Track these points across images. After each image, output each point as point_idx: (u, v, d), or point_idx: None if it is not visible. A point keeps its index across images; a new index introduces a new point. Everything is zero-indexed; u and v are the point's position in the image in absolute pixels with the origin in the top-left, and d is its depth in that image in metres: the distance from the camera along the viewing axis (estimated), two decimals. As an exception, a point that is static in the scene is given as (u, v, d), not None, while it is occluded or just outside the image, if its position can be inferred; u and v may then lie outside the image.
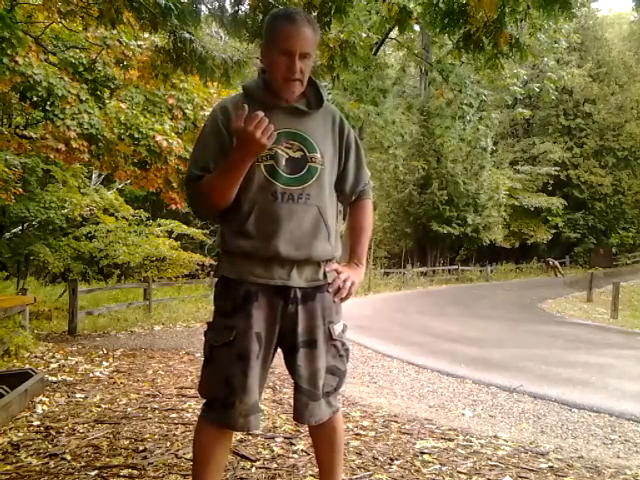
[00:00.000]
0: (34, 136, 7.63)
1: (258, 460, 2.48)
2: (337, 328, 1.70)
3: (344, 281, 1.70)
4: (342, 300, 1.72)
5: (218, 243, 1.70)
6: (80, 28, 6.70)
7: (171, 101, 7.83)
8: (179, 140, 7.47)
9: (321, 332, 1.65)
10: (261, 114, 1.45)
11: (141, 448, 2.66)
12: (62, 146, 6.83)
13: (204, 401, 1.68)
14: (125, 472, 2.34)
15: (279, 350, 1.70)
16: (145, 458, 2.52)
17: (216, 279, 1.71)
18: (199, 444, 1.65)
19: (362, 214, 1.82)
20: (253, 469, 2.38)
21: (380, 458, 2.56)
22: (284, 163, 1.61)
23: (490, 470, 2.46)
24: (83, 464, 2.46)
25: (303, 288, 1.64)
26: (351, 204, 1.82)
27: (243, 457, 2.50)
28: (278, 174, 1.60)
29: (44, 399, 3.80)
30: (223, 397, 1.59)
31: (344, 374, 1.74)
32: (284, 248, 1.58)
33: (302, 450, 2.62)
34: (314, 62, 1.69)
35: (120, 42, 6.84)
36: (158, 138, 7.12)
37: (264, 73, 1.68)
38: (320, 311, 1.66)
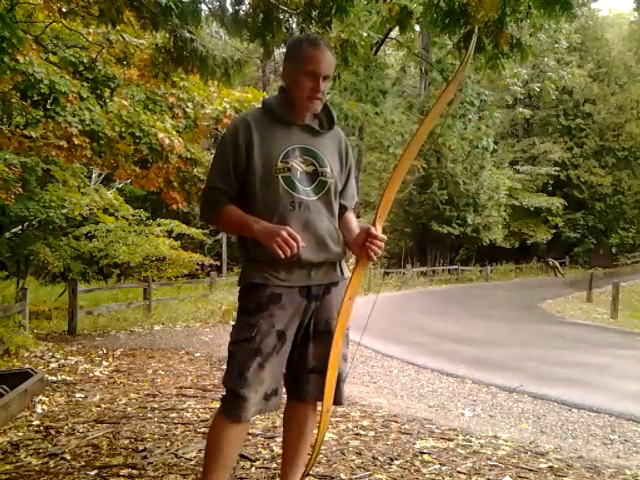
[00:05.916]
0: (34, 135, 7.60)
1: (258, 460, 2.48)
2: None
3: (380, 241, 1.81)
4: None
5: (241, 252, 1.83)
6: (80, 27, 6.68)
7: (171, 99, 7.79)
8: (180, 139, 7.43)
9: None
10: (301, 242, 1.64)
11: (141, 448, 2.66)
12: (64, 143, 6.80)
13: (219, 397, 1.80)
14: (125, 472, 2.34)
15: None
16: (145, 458, 2.52)
17: (240, 286, 1.82)
18: (211, 437, 1.76)
19: (354, 218, 2.03)
20: (253, 469, 2.38)
21: (380, 458, 2.56)
22: (299, 176, 1.76)
23: (490, 470, 2.46)
24: (83, 464, 2.46)
25: (322, 285, 1.81)
26: (343, 214, 1.98)
27: (243, 457, 2.50)
28: (295, 185, 1.75)
29: (44, 399, 3.81)
30: (238, 389, 1.69)
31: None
32: (304, 254, 1.72)
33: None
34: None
35: (123, 38, 6.79)
36: (160, 135, 7.07)
37: (283, 92, 1.83)
38: (335, 304, 1.83)
